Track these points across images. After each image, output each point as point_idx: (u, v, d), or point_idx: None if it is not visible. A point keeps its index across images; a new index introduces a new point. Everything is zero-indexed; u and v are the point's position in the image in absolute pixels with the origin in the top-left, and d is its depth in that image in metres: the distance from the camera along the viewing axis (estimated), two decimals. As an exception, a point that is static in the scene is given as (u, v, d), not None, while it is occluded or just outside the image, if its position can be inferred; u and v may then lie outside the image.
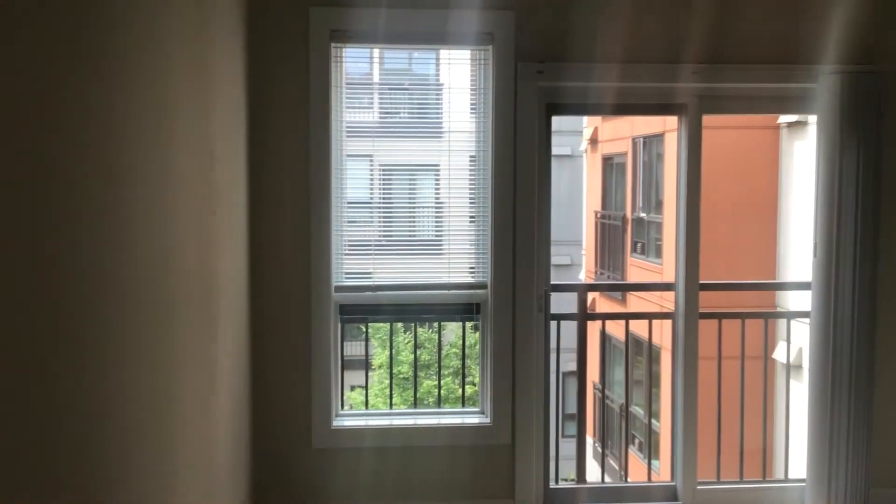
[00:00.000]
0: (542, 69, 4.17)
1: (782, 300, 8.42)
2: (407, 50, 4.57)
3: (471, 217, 4.36)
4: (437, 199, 4.49)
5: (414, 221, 4.53)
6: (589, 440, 10.58)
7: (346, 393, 10.49)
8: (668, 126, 9.85)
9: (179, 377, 2.88)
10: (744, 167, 9.39)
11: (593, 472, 9.48)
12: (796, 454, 4.69)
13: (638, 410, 10.08)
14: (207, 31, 3.30)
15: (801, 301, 4.53)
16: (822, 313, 4.24)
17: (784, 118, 8.87)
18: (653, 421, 9.00)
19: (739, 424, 4.68)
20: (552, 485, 4.47)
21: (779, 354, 7.23)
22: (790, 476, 4.73)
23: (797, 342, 6.61)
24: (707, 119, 4.37)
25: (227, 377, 3.62)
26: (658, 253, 10.88)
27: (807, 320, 4.38)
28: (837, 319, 4.21)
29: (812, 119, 4.36)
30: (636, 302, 10.93)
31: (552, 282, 4.41)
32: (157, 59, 2.64)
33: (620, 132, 12.06)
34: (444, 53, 4.42)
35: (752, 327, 4.80)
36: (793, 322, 5.15)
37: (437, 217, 4.49)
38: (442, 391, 10.93)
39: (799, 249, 8.41)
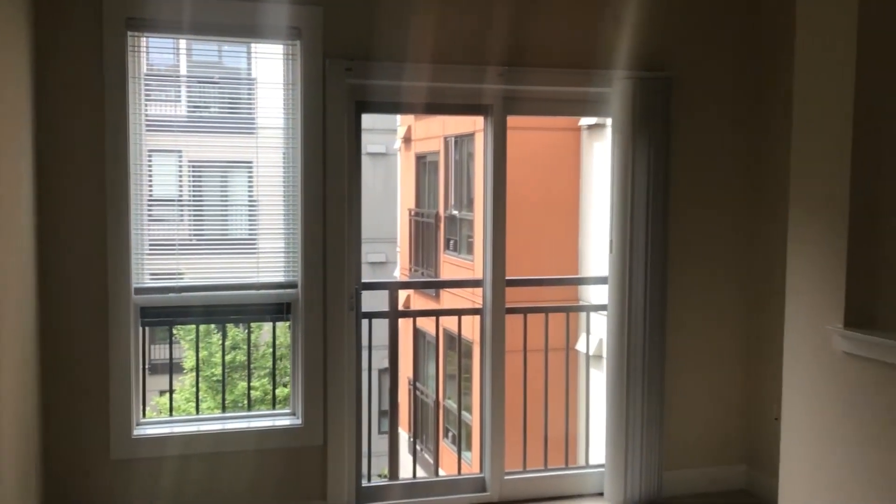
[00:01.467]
0: (352, 67, 4.15)
1: (585, 294, 8.84)
2: (213, 42, 4.41)
3: (283, 215, 4.28)
4: (249, 196, 4.38)
5: (225, 219, 4.39)
6: (405, 435, 10.68)
7: (155, 398, 10.03)
8: (478, 126, 10.07)
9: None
10: (548, 167, 9.78)
11: (410, 467, 9.58)
12: (597, 441, 4.94)
13: (452, 404, 10.28)
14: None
15: (601, 295, 4.77)
16: (618, 306, 4.49)
17: (584, 120, 9.32)
18: (466, 414, 9.21)
19: (544, 414, 4.87)
20: (364, 483, 4.47)
21: (581, 346, 7.58)
22: (591, 462, 4.97)
23: (598, 334, 6.97)
24: (513, 120, 4.51)
25: (11, 385, 3.36)
26: (470, 250, 11.14)
27: (605, 312, 4.62)
28: (632, 311, 4.47)
29: (609, 121, 4.60)
30: (450, 298, 11.14)
31: (366, 280, 4.42)
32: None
33: (433, 131, 12.25)
34: (255, 47, 4.31)
35: (556, 320, 5.01)
36: (594, 314, 5.42)
37: (249, 215, 4.38)
38: (258, 392, 10.70)
39: (599, 245, 8.86)
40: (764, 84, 4.68)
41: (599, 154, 9.29)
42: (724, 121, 4.74)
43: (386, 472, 5.13)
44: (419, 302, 12.41)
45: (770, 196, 4.61)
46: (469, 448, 8.89)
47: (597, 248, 9.08)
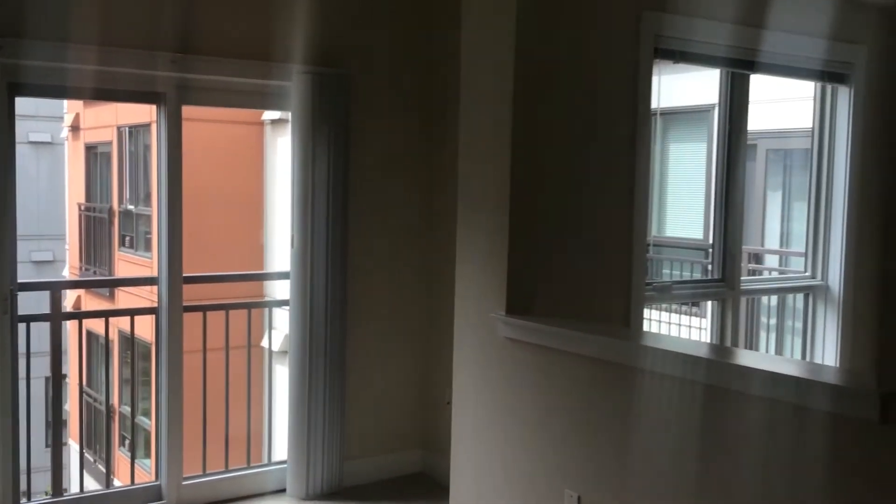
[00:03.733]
0: (2, 45, 3.74)
1: (271, 290, 8.77)
2: None
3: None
4: None
5: None
6: (76, 447, 9.91)
7: None
8: (155, 116, 9.62)
9: None
10: (231, 161, 9.57)
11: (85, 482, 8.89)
12: (280, 437, 4.90)
13: (129, 410, 9.71)
14: None
15: (286, 290, 4.73)
16: (300, 301, 4.49)
17: (267, 115, 9.23)
18: (145, 419, 8.74)
19: (225, 415, 4.75)
20: (24, 503, 4.07)
21: (266, 342, 7.50)
22: (273, 459, 4.92)
23: (283, 329, 6.94)
24: (193, 111, 4.34)
25: None
26: (148, 247, 10.60)
27: (288, 308, 4.59)
28: (313, 306, 4.49)
29: (290, 116, 4.58)
30: (127, 298, 10.52)
31: (27, 280, 4.01)
32: None
33: (104, 120, 11.48)
34: None
35: (239, 318, 4.89)
36: (277, 310, 5.36)
37: None
38: None
39: (284, 241, 8.82)
40: (436, 83, 4.90)
41: (283, 149, 9.25)
42: (399, 119, 4.89)
43: (50, 488, 4.71)
44: (93, 303, 11.59)
45: (442, 195, 4.84)
46: (149, 455, 8.46)
47: (282, 244, 9.04)
